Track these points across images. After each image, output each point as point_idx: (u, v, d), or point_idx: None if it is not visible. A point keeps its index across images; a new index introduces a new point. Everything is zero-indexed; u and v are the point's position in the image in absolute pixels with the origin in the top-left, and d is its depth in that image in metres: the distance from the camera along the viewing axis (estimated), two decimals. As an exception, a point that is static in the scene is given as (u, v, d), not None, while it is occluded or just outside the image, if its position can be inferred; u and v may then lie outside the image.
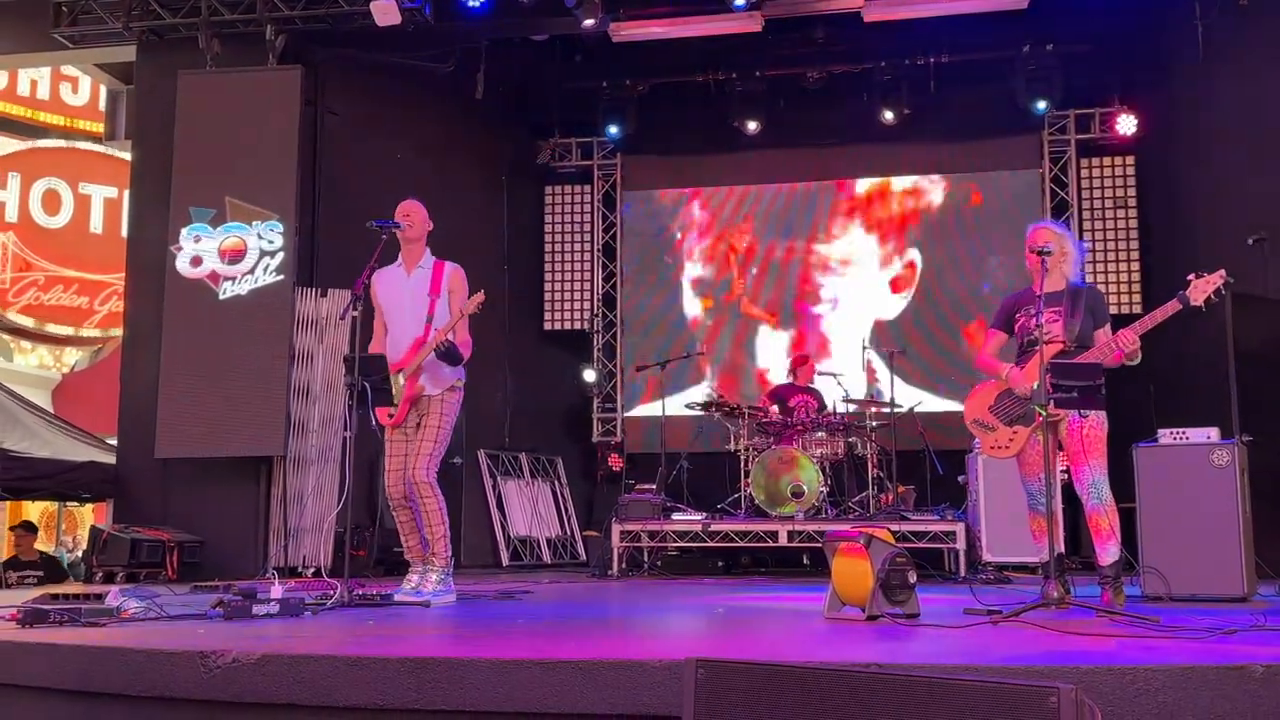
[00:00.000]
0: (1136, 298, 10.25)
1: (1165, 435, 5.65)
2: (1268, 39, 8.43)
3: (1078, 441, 4.96)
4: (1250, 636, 3.67)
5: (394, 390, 5.49)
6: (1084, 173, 10.79)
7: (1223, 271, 4.82)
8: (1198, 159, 9.52)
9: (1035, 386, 4.77)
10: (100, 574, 7.72)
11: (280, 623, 4.51)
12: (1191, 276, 4.88)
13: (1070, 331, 4.99)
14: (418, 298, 5.63)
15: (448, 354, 5.46)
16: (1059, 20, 9.72)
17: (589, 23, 8.93)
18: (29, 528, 9.84)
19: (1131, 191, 10.66)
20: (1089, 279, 6.33)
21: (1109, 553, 4.96)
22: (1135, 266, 10.50)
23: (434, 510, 5.51)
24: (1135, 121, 10.42)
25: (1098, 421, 4.97)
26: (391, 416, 5.54)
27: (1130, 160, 10.70)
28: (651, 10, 9.12)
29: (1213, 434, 5.59)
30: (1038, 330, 4.80)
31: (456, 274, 5.69)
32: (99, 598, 4.93)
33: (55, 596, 5.29)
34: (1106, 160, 10.78)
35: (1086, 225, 10.57)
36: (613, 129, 11.37)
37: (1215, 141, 9.20)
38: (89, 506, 13.98)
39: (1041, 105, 10.53)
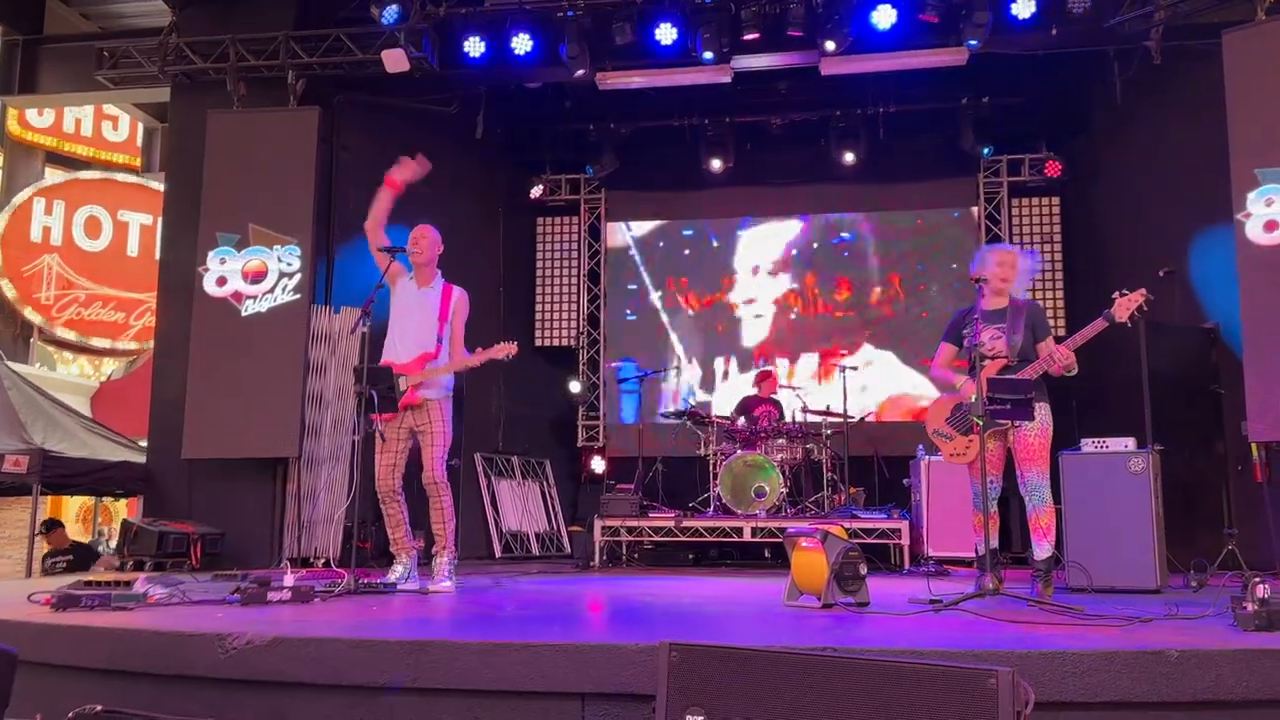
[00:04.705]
0: (1061, 323, 10.27)
1: (1087, 444, 5.64)
2: (1177, 93, 8.48)
3: (1024, 449, 4.91)
4: (1164, 624, 3.67)
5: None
6: (1014, 211, 10.83)
7: (1143, 290, 4.74)
8: (1114, 200, 9.57)
9: (973, 399, 4.73)
10: (130, 563, 7.60)
11: (292, 608, 4.45)
12: (1116, 295, 4.79)
13: (1013, 348, 4.95)
14: (427, 314, 5.59)
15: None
16: (993, 76, 9.77)
17: (579, 73, 8.93)
18: (49, 526, 9.63)
19: (1056, 229, 10.71)
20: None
21: (1043, 549, 4.92)
22: (1060, 296, 10.53)
23: (446, 506, 5.50)
24: (1060, 166, 10.48)
25: (1042, 431, 4.91)
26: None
27: (1055, 201, 10.75)
28: (633, 63, 9.13)
29: (1129, 443, 5.58)
30: (975, 350, 4.78)
31: (462, 299, 5.70)
32: (127, 584, 4.84)
33: (88, 583, 5.19)
34: (1034, 200, 10.82)
35: (1016, 259, 10.60)
36: (591, 168, 11.37)
37: (1130, 185, 9.24)
38: (122, 501, 13.76)
39: (980, 150, 10.57)
